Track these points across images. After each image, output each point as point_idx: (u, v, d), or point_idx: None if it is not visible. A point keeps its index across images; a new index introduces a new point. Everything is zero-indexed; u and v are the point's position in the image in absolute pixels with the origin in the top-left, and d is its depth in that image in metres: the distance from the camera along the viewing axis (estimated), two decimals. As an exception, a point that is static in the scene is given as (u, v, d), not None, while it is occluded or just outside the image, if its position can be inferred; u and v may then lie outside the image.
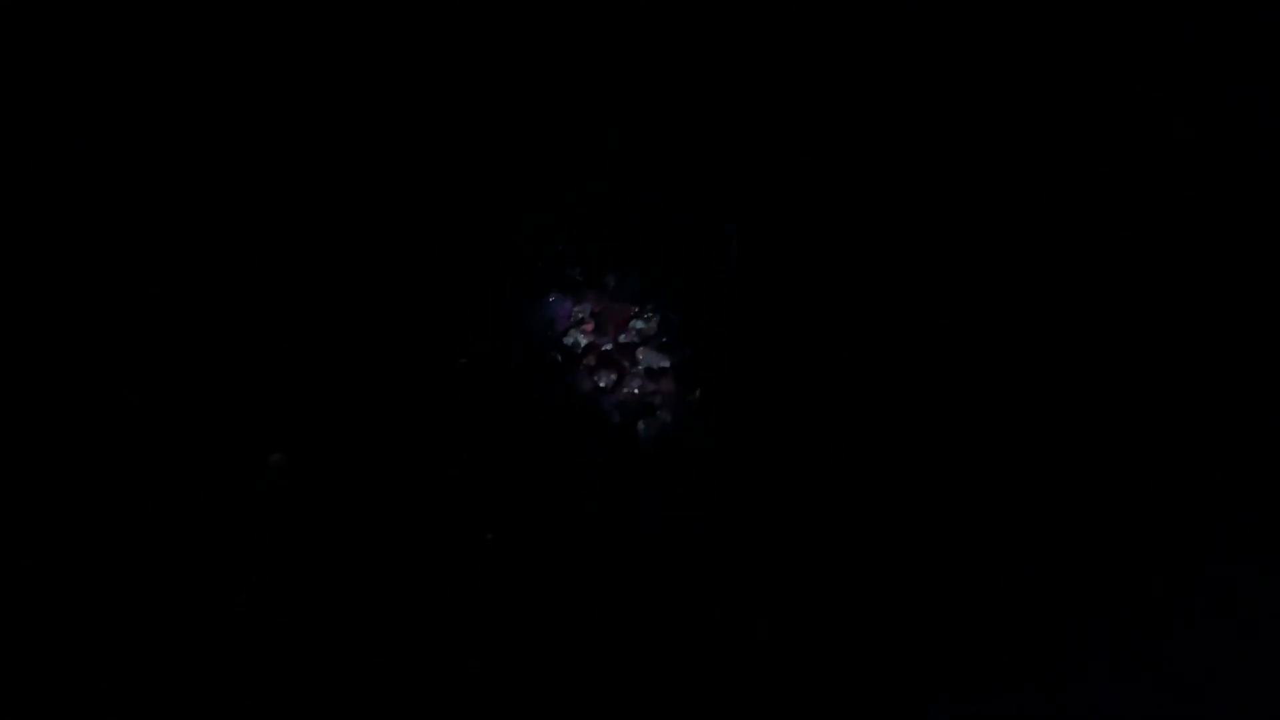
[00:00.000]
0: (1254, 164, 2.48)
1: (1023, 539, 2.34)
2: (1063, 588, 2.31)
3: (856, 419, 2.40)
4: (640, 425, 2.35)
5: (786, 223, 2.49)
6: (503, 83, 2.53)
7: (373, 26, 2.52)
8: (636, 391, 2.39)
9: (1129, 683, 2.24)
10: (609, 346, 2.41)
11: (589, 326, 2.42)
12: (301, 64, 2.50)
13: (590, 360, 2.40)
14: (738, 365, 2.42)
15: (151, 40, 2.48)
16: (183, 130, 2.48)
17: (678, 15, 2.53)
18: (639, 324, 2.43)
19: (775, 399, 2.41)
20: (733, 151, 2.53)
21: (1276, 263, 2.46)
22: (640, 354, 2.41)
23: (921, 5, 2.51)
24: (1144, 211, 2.48)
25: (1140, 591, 2.31)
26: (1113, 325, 2.44)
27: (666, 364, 2.41)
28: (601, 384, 2.38)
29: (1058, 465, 2.38)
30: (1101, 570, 2.33)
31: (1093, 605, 2.30)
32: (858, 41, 2.53)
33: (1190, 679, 2.23)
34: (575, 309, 2.43)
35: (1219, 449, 2.38)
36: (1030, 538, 2.34)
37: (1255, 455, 2.38)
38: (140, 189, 2.46)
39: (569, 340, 2.42)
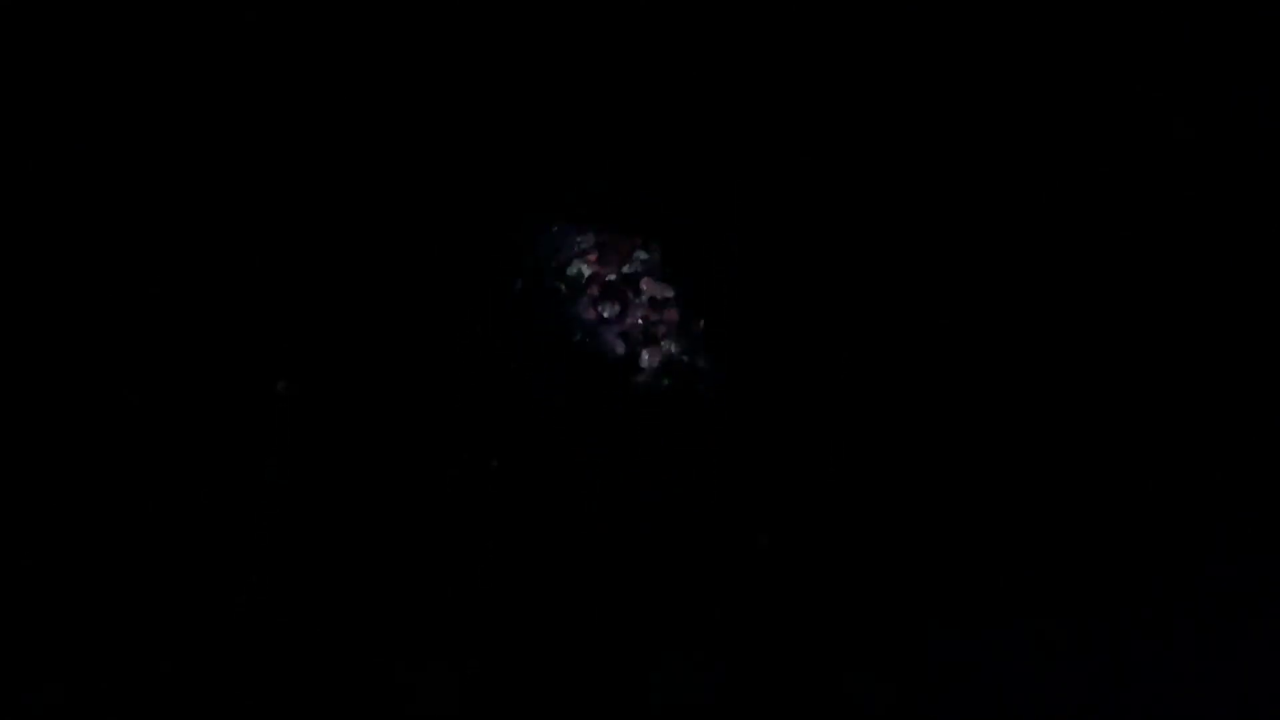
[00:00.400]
0: (1254, 164, 2.48)
1: (1022, 538, 2.34)
2: (1062, 587, 2.31)
3: (856, 393, 2.40)
4: (644, 356, 2.33)
5: (790, 211, 2.49)
6: (503, 83, 2.54)
7: (373, 25, 2.52)
8: (640, 322, 2.37)
9: (1129, 683, 2.24)
10: (613, 277, 2.39)
11: (593, 257, 2.40)
12: (302, 63, 2.50)
13: (594, 291, 2.39)
14: (743, 295, 2.41)
15: (151, 40, 2.48)
16: (183, 130, 2.48)
17: (677, 15, 2.53)
18: (643, 254, 2.41)
19: (781, 335, 2.40)
20: (732, 152, 2.53)
21: (1277, 263, 2.46)
22: (644, 284, 2.39)
23: (921, 5, 2.52)
24: (1144, 211, 2.48)
25: (1140, 591, 2.31)
26: (1112, 325, 2.44)
27: (671, 294, 2.39)
28: (605, 314, 2.36)
29: (1056, 465, 2.38)
30: (1101, 570, 2.32)
31: (1093, 605, 2.30)
32: (858, 39, 2.53)
33: (1190, 679, 2.23)
34: (579, 239, 2.41)
35: (1219, 449, 2.38)
36: (1030, 537, 2.34)
37: (1255, 455, 2.38)
38: (140, 189, 2.46)
39: (572, 271, 2.40)
